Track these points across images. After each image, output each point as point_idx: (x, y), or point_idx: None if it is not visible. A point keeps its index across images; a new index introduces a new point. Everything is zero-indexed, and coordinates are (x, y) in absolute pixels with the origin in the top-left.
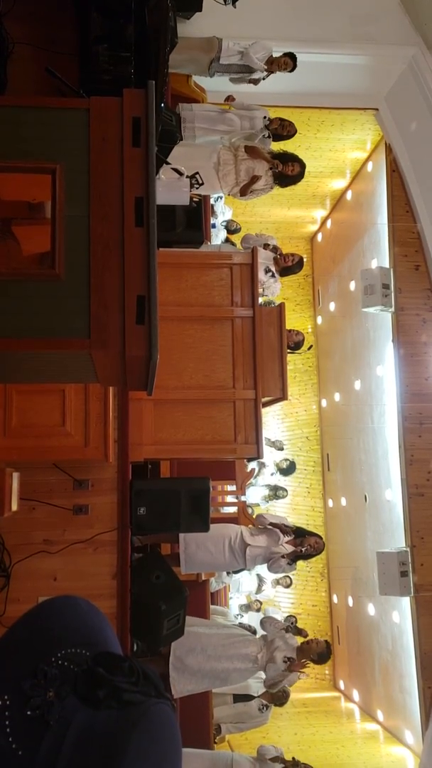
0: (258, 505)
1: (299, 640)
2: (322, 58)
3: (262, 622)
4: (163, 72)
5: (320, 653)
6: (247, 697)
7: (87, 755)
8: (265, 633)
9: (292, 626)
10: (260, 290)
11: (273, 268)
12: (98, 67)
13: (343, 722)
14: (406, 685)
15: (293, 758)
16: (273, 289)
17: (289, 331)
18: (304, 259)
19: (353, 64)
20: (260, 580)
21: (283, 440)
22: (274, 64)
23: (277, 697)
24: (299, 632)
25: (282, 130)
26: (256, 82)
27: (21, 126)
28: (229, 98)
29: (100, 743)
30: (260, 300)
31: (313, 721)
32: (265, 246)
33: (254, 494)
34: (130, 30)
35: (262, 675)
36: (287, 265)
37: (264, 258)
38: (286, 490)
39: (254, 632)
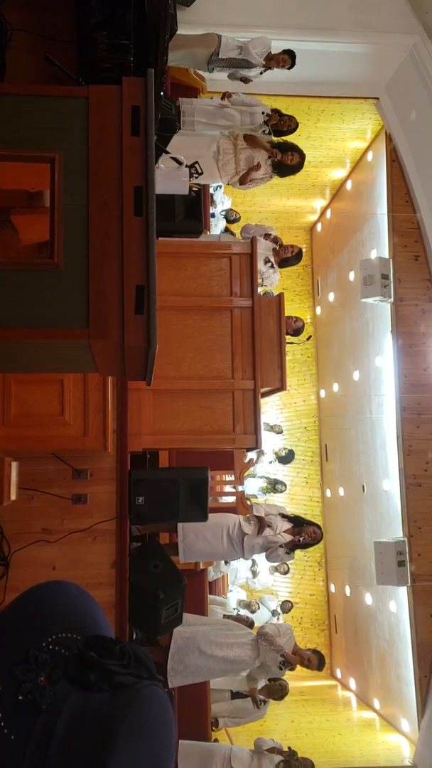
0: (255, 496)
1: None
2: (322, 47)
3: (259, 635)
4: (162, 60)
5: (315, 669)
6: (245, 694)
7: (80, 737)
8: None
9: (283, 664)
10: (259, 281)
11: (272, 259)
12: (97, 55)
13: (340, 710)
14: (403, 673)
15: (289, 748)
16: (272, 280)
17: (289, 317)
18: (303, 251)
19: (354, 53)
20: (254, 564)
21: (282, 426)
22: (272, 61)
23: (275, 691)
24: (289, 666)
25: (282, 125)
26: (246, 80)
27: (20, 114)
28: (227, 95)
29: (93, 725)
30: (259, 290)
31: (310, 709)
32: (266, 236)
33: (252, 486)
34: (129, 17)
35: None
36: (287, 256)
37: (263, 248)
38: (284, 485)
39: (252, 623)
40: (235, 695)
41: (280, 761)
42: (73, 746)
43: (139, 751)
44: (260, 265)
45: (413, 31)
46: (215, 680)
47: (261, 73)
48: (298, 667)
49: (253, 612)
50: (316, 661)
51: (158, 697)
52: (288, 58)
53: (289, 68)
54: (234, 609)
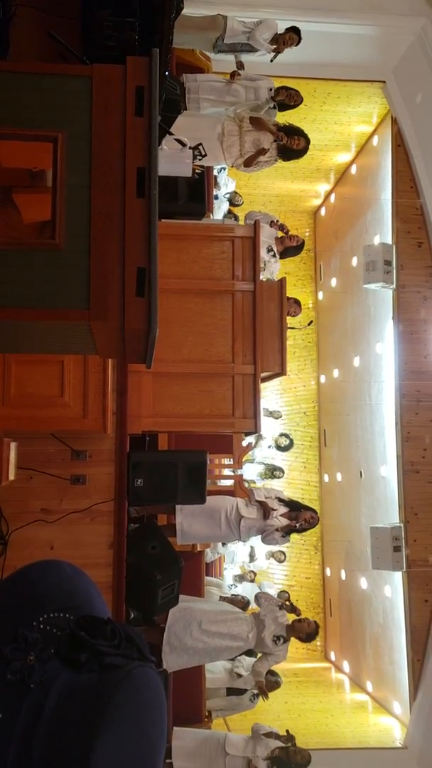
0: (254, 481)
1: (291, 617)
2: (329, 28)
3: (257, 597)
4: (167, 39)
5: (309, 633)
6: (240, 691)
7: (68, 717)
8: (257, 609)
9: (286, 605)
10: (261, 267)
11: (275, 248)
12: (102, 33)
13: (333, 692)
14: (396, 657)
15: (287, 731)
16: (272, 269)
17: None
18: (305, 242)
19: (361, 35)
20: (252, 550)
21: (281, 411)
22: (280, 43)
23: (270, 686)
24: (293, 610)
25: (288, 99)
26: (241, 65)
27: (23, 92)
28: (234, 74)
29: (82, 705)
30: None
31: (304, 690)
32: (272, 223)
33: (250, 471)
34: None
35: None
36: (292, 245)
37: (266, 236)
38: (283, 471)
39: (248, 603)
40: (231, 691)
41: (277, 748)
42: (62, 726)
43: (127, 731)
44: (262, 253)
45: (422, 14)
46: (211, 677)
47: (271, 60)
48: (293, 650)
49: (251, 581)
50: (313, 625)
51: (148, 677)
52: (295, 36)
53: (296, 45)
54: (230, 585)
